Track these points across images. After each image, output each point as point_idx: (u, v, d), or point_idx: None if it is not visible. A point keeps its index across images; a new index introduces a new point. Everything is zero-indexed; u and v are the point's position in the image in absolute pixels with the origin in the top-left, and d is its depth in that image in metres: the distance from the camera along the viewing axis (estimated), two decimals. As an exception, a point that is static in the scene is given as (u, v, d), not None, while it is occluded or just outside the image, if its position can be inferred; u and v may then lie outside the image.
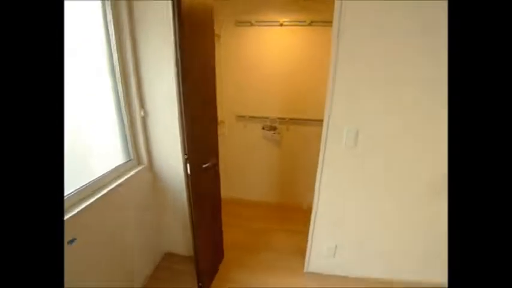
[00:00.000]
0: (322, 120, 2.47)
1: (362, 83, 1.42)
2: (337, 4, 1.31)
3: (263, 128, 2.55)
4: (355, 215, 1.70)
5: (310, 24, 2.17)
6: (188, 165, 1.39)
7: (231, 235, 2.14)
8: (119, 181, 1.46)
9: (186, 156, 1.39)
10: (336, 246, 1.80)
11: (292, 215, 2.65)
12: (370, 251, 1.80)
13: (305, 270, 1.91)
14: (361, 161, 1.56)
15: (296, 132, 2.54)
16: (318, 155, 2.73)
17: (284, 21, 2.20)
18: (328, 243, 1.80)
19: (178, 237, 1.98)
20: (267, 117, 2.51)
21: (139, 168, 1.69)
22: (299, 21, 2.18)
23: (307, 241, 1.91)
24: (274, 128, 2.51)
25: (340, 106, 1.48)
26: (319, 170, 1.64)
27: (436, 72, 1.33)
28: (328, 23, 2.15)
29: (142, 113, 1.65)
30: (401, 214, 1.66)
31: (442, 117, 1.41)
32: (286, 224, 2.49)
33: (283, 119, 2.48)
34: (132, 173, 1.59)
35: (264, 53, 2.33)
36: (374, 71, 1.39)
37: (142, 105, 1.64)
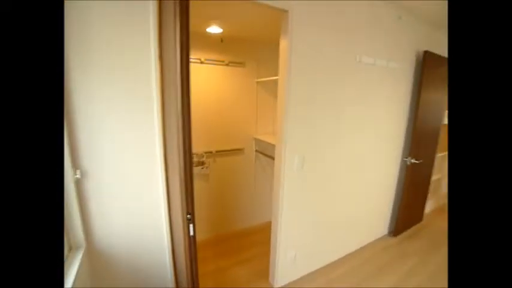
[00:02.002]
0: (243, 149, 2.72)
1: (307, 123, 1.83)
2: (283, 64, 1.65)
3: (190, 165, 2.40)
4: (306, 222, 2.08)
5: (228, 64, 2.38)
6: (191, 226, 1.18)
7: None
8: None
9: (189, 216, 1.17)
10: (295, 255, 2.08)
11: (233, 243, 2.66)
12: (324, 245, 2.25)
13: (274, 287, 2.05)
14: (306, 179, 1.97)
15: (222, 163, 2.60)
16: (245, 181, 2.96)
17: (205, 60, 2.26)
18: (289, 254, 2.05)
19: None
20: (194, 154, 2.40)
21: (78, 255, 1.17)
22: (218, 61, 2.32)
23: (269, 259, 2.06)
24: (202, 163, 2.44)
25: (291, 140, 1.80)
26: (279, 192, 1.86)
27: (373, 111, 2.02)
28: (241, 64, 2.47)
29: (77, 175, 1.18)
30: (341, 213, 2.26)
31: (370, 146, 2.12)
32: (233, 256, 2.46)
33: (210, 152, 2.48)
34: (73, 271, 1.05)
35: (184, 89, 2.25)
36: (321, 111, 1.85)
37: (76, 163, 1.17)
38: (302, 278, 2.18)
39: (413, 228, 3.11)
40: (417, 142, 2.61)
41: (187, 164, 1.11)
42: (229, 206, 2.78)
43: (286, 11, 1.58)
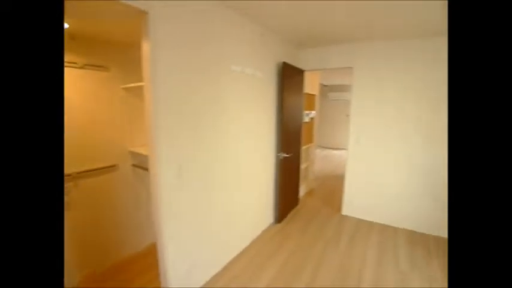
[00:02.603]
0: (117, 165, 2.37)
1: (180, 131, 1.78)
2: (147, 66, 1.54)
3: (39, 195, 1.84)
4: (195, 230, 2.02)
5: (83, 67, 1.99)
6: None
7: None
8: None
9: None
10: (190, 267, 1.99)
11: (121, 274, 2.24)
12: (218, 248, 2.24)
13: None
14: (188, 187, 1.92)
15: (90, 185, 2.15)
16: (123, 200, 2.64)
17: (48, 61, 1.79)
18: (182, 268, 1.93)
19: None
20: (42, 179, 1.85)
21: None
22: (69, 62, 1.90)
23: (160, 281, 1.88)
24: (58, 190, 1.93)
25: (165, 148, 1.70)
26: (158, 206, 1.72)
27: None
28: (102, 67, 2.15)
29: None
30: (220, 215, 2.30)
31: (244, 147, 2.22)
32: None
33: (69, 175, 1.99)
34: None
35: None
36: (197, 116, 1.82)
37: None
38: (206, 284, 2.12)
39: (292, 212, 3.64)
40: (286, 139, 3.07)
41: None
42: (108, 233, 2.35)
43: (145, 13, 1.47)
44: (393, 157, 3.16)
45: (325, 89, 8.61)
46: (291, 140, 3.26)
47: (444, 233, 2.98)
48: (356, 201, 3.47)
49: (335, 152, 8.47)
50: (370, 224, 3.31)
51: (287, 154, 3.06)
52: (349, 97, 3.35)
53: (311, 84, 4.22)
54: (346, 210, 3.56)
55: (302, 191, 4.24)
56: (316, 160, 6.16)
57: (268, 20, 2.39)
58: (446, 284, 2.18)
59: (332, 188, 4.81)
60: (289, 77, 3.05)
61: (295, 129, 3.40)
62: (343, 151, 8.37)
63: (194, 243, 2.03)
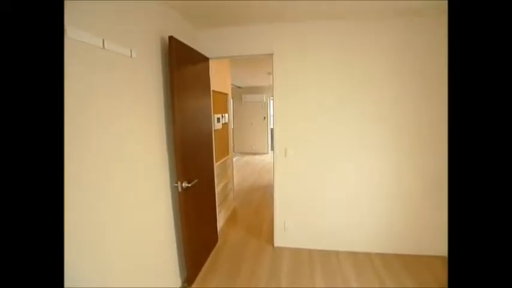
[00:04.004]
0: None
1: None
2: None
3: None
4: None
5: None
6: None
7: None
8: None
9: None
10: None
11: None
12: None
13: None
14: None
15: None
16: None
17: None
18: None
19: None
20: None
21: None
22: None
23: None
24: None
25: None
26: None
27: None
28: None
29: None
30: None
31: None
32: None
33: None
34: None
35: None
36: None
37: None
38: None
39: (211, 258, 2.57)
40: (185, 161, 1.95)
41: None
42: None
43: None
44: (331, 170, 2.53)
45: (239, 91, 7.90)
46: (195, 158, 2.19)
47: (388, 249, 2.54)
48: (290, 228, 2.70)
49: (256, 157, 7.86)
50: (310, 254, 2.59)
51: (189, 183, 1.96)
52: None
53: (222, 81, 3.28)
54: (279, 240, 2.75)
55: (222, 219, 3.24)
56: (236, 171, 5.30)
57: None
58: None
59: (257, 204, 4.01)
60: (185, 64, 1.99)
61: (201, 142, 2.35)
62: (264, 155, 7.86)
63: None
